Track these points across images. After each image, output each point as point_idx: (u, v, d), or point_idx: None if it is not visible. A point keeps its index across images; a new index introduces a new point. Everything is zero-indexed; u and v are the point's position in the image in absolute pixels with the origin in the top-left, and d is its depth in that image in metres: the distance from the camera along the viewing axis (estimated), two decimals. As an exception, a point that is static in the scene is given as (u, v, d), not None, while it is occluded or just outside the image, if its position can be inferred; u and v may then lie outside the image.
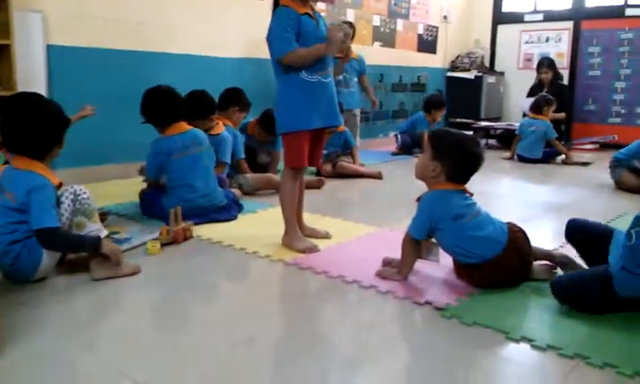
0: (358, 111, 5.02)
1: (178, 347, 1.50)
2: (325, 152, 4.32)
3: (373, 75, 6.00)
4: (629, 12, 6.30)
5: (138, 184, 3.09)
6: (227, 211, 2.82)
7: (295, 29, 2.19)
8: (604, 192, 3.93)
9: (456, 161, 1.94)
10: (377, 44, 6.10)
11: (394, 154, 5.56)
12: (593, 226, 1.99)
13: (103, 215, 2.56)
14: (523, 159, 5.26)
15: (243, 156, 3.56)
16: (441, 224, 1.92)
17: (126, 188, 3.35)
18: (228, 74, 4.32)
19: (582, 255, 1.99)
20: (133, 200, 3.02)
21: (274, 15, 2.25)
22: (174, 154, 2.73)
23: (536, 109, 5.33)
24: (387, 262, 2.08)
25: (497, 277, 1.89)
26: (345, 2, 5.62)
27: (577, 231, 2.00)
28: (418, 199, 2.06)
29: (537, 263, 2.02)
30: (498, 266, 1.87)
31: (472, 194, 2.00)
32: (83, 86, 3.58)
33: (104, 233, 2.03)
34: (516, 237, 1.93)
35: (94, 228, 1.99)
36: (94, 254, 1.94)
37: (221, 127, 3.32)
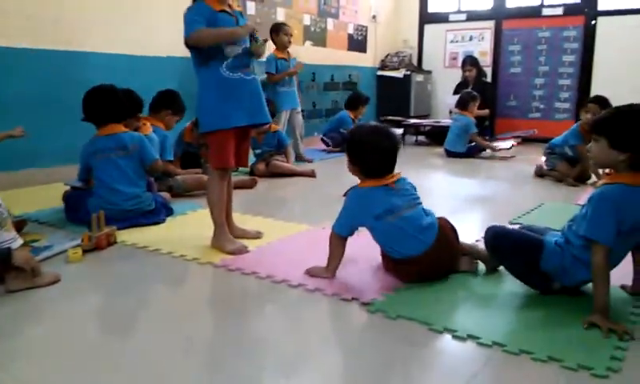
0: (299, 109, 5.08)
1: (102, 357, 1.44)
2: (258, 151, 4.32)
3: (305, 74, 6.03)
4: (545, 12, 6.65)
5: (63, 188, 2.97)
6: (155, 215, 2.75)
7: (207, 21, 2.16)
8: (525, 183, 4.13)
9: (366, 158, 1.95)
10: (308, 43, 6.13)
11: (328, 151, 5.61)
12: (519, 237, 1.91)
13: (20, 223, 2.44)
14: (449, 153, 5.46)
15: (171, 157, 3.49)
16: (365, 223, 1.95)
17: (51, 193, 3.20)
18: (158, 73, 4.21)
19: (503, 263, 1.99)
20: (58, 205, 2.89)
21: (187, 9, 2.21)
22: (98, 155, 2.66)
23: (461, 105, 5.54)
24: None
25: (424, 273, 1.93)
26: (274, 1, 5.61)
27: (497, 240, 1.91)
28: (345, 194, 2.08)
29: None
30: (426, 262, 1.91)
31: (394, 184, 1.93)
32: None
33: (18, 242, 1.93)
34: (445, 233, 1.97)
35: (8, 238, 1.89)
36: (5, 266, 1.84)
37: (148, 128, 3.23)
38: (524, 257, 1.80)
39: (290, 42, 4.94)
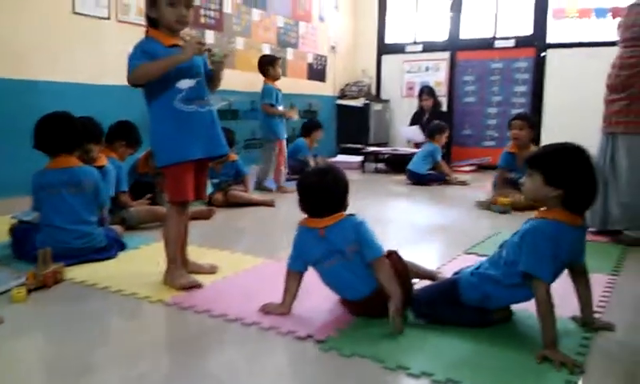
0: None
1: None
2: (216, 181, 4.27)
3: (264, 103, 6.03)
4: (497, 44, 6.89)
5: (10, 221, 2.85)
6: (106, 251, 2.66)
7: (153, 56, 2.10)
8: (482, 211, 4.20)
9: (301, 197, 1.94)
10: (267, 72, 6.14)
11: (288, 179, 5.60)
12: (437, 291, 1.93)
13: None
14: (411, 173, 5.59)
15: (125, 188, 3.41)
16: (307, 261, 1.95)
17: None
18: (112, 103, 4.14)
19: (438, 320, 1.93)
20: (4, 239, 2.77)
21: (134, 46, 2.16)
22: (47, 189, 2.55)
23: (430, 134, 5.76)
24: None
25: (371, 312, 1.91)
26: (234, 31, 5.63)
27: (424, 307, 1.90)
28: None
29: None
30: (369, 304, 1.89)
31: (322, 232, 1.87)
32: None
33: None
34: (395, 269, 1.89)
35: None
36: None
37: (103, 159, 3.15)
38: (444, 300, 1.83)
39: (279, 76, 5.01)
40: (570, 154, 1.70)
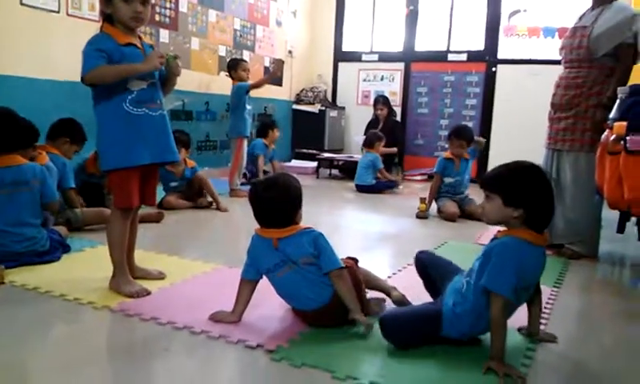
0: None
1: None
2: (174, 184, 4.18)
3: (220, 104, 5.98)
4: (451, 57, 7.06)
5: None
6: (49, 254, 2.54)
7: (108, 54, 2.03)
8: (430, 221, 4.28)
9: (252, 208, 1.93)
10: (223, 73, 6.08)
11: (243, 183, 5.54)
12: (438, 263, 2.04)
13: None
14: (359, 187, 5.62)
15: (72, 185, 3.27)
16: (261, 271, 1.93)
17: None
18: (55, 98, 3.99)
19: (426, 286, 2.06)
20: None
21: (88, 41, 2.08)
22: None
23: (368, 144, 5.76)
24: None
25: (323, 322, 1.91)
26: (190, 31, 5.54)
27: (423, 267, 2.06)
28: None
29: (370, 296, 2.08)
30: (324, 313, 1.88)
31: (276, 242, 1.85)
32: None
33: None
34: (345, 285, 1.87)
35: None
36: None
37: (45, 158, 3.01)
38: (422, 333, 1.80)
39: (248, 77, 4.95)
40: (526, 173, 1.72)
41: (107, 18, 2.12)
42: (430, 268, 2.05)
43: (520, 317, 1.89)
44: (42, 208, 2.60)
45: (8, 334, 1.80)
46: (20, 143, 2.58)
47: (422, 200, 4.40)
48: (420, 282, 2.10)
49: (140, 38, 2.19)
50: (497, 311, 1.65)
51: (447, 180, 4.48)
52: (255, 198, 1.91)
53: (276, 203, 1.87)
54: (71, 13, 4.24)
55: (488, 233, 3.76)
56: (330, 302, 1.85)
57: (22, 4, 3.89)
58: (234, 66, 5.01)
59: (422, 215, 4.33)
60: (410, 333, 1.80)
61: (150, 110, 2.14)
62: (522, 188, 1.70)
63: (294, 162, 7.06)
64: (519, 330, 1.94)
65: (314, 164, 6.84)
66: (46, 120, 3.22)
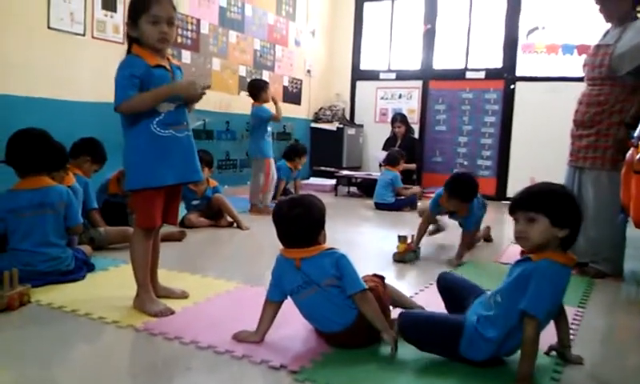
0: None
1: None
2: (195, 202, 4.23)
3: (240, 123, 6.05)
4: (469, 75, 7.06)
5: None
6: (74, 274, 2.58)
7: (140, 79, 2.08)
8: (449, 239, 4.25)
9: (275, 227, 1.95)
10: (243, 93, 6.16)
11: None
12: (463, 285, 2.04)
13: None
14: (379, 205, 5.61)
15: (95, 206, 3.34)
16: (285, 292, 1.93)
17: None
18: (78, 119, 4.07)
19: (448, 308, 2.04)
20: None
21: (119, 65, 2.13)
22: (17, 212, 2.46)
23: (391, 162, 5.77)
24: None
25: (349, 344, 1.90)
26: (210, 52, 5.63)
27: (446, 288, 2.06)
28: None
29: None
30: (348, 335, 1.87)
31: (298, 263, 1.86)
32: None
33: None
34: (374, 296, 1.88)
35: None
36: None
37: (71, 179, 3.07)
38: (443, 343, 1.80)
39: (269, 99, 5.01)
40: (567, 194, 1.76)
41: (135, 40, 2.16)
42: (454, 289, 2.04)
43: (544, 340, 1.87)
44: (66, 231, 2.64)
45: (34, 353, 1.83)
46: (51, 165, 2.63)
47: (402, 239, 3.37)
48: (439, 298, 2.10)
49: (168, 59, 2.23)
50: (532, 333, 1.64)
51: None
52: (279, 217, 1.93)
53: (299, 223, 1.88)
54: (96, 35, 4.34)
55: (509, 252, 3.73)
56: (354, 325, 1.85)
57: (49, 27, 4.00)
58: (260, 88, 5.02)
59: (399, 258, 3.34)
60: (427, 334, 1.80)
61: (176, 131, 2.18)
62: (569, 208, 1.71)
63: (313, 180, 7.09)
64: (548, 352, 1.91)
65: (333, 182, 6.86)
66: (70, 140, 3.29)
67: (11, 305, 2.15)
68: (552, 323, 1.85)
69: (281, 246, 1.97)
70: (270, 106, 4.94)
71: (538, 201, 1.72)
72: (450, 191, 3.34)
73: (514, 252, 3.34)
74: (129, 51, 2.17)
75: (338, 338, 1.89)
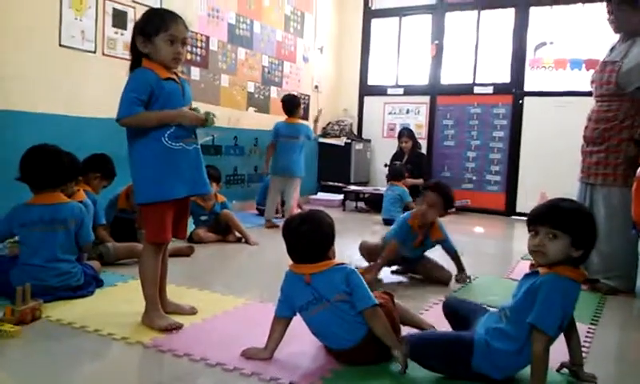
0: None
1: None
2: (204, 218, 4.24)
3: (248, 139, 6.08)
4: (477, 90, 7.05)
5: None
6: (83, 289, 2.59)
7: (149, 92, 2.10)
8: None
9: (285, 243, 1.95)
10: (251, 109, 6.20)
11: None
12: (467, 307, 2.05)
13: None
14: (387, 221, 5.58)
15: (103, 222, 3.35)
16: (295, 309, 1.93)
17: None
18: (91, 135, 4.10)
19: (455, 328, 2.02)
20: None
21: (130, 76, 2.14)
22: (29, 226, 2.48)
23: (396, 176, 5.78)
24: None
25: (358, 361, 1.89)
26: (219, 68, 5.67)
27: (452, 311, 2.06)
28: None
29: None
30: (358, 352, 1.86)
31: (309, 278, 1.86)
32: None
33: None
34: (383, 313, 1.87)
35: None
36: None
37: (82, 195, 3.08)
38: (454, 362, 1.77)
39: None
40: (591, 217, 1.77)
41: (144, 55, 2.17)
42: (460, 309, 2.05)
43: (555, 357, 1.84)
44: (77, 248, 2.65)
45: (44, 369, 1.83)
46: (63, 180, 2.65)
47: (365, 270, 2.98)
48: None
49: (176, 73, 2.25)
50: (541, 349, 1.63)
51: (401, 249, 3.16)
52: (289, 232, 1.93)
53: (310, 238, 1.89)
54: (107, 52, 4.39)
55: (519, 268, 3.70)
56: (364, 342, 1.84)
57: (60, 45, 4.05)
58: (297, 105, 5.15)
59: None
60: (438, 354, 1.78)
61: (186, 144, 2.19)
62: (591, 231, 1.72)
63: (320, 195, 7.09)
64: (559, 369, 1.89)
65: (340, 197, 6.85)
66: (82, 156, 3.30)
67: (24, 319, 2.16)
68: (563, 341, 1.83)
69: (290, 262, 1.97)
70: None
71: (565, 219, 1.70)
72: (434, 189, 3.11)
73: (524, 268, 3.31)
74: (137, 65, 2.18)
75: (348, 354, 1.88)
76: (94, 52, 4.30)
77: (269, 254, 3.94)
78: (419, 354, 1.79)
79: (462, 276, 3.24)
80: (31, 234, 2.49)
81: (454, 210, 5.76)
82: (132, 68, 2.19)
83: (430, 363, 1.80)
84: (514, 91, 6.80)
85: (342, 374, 1.84)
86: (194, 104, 2.33)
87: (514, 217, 6.64)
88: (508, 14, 6.86)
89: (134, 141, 2.17)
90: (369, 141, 7.69)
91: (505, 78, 6.89)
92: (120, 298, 2.62)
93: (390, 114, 7.65)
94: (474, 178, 7.06)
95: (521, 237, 1.71)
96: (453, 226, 5.33)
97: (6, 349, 1.96)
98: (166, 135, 2.14)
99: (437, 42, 7.25)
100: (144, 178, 2.17)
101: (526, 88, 6.77)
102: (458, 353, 1.76)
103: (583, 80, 6.40)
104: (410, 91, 7.50)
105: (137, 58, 2.18)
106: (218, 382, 1.78)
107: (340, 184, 6.99)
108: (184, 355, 1.94)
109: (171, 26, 2.13)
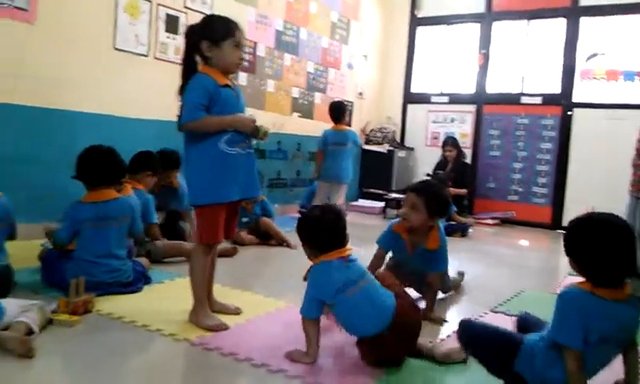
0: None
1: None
2: (246, 220, 4.30)
3: (291, 143, 6.14)
4: (524, 100, 6.92)
5: (35, 247, 2.89)
6: (132, 285, 2.67)
7: (209, 98, 2.16)
8: (503, 267, 4.15)
9: (313, 233, 2.05)
10: (295, 114, 6.26)
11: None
12: (494, 334, 1.88)
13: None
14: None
15: (156, 220, 3.44)
16: (327, 298, 1.96)
17: (25, 251, 3.05)
18: (142, 136, 4.22)
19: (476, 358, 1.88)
20: (32, 265, 2.80)
21: (191, 81, 2.20)
22: (85, 224, 2.59)
23: None
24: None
25: (388, 352, 1.92)
26: (266, 74, 5.75)
27: (471, 336, 1.90)
28: (305, 277, 2.07)
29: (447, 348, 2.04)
30: (385, 339, 1.90)
31: (347, 258, 1.99)
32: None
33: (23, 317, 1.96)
34: (403, 312, 1.94)
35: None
36: None
37: (129, 190, 3.17)
38: (498, 355, 1.76)
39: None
40: (584, 226, 1.67)
41: (204, 59, 2.23)
42: (532, 325, 1.99)
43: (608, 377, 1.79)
44: (131, 236, 2.76)
45: (95, 359, 1.89)
46: (117, 178, 2.75)
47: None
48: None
49: (232, 79, 2.31)
50: (571, 364, 1.59)
51: (398, 258, 2.83)
52: (336, 216, 2.05)
53: (343, 220, 2.07)
54: (158, 56, 4.52)
55: (566, 283, 3.60)
56: (391, 328, 1.90)
57: (115, 48, 4.19)
58: (345, 112, 5.24)
59: None
60: (485, 343, 1.79)
61: (241, 149, 2.25)
62: (573, 241, 1.68)
63: (361, 202, 7.08)
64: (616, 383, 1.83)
65: (381, 204, 6.83)
66: (128, 157, 3.40)
67: (76, 311, 2.24)
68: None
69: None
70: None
71: (567, 247, 1.70)
72: (418, 191, 2.60)
73: (571, 283, 3.23)
74: (192, 70, 2.24)
75: (378, 343, 1.90)
76: (147, 55, 4.43)
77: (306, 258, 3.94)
78: (468, 337, 1.83)
79: (433, 315, 2.62)
80: (86, 231, 2.59)
81: (472, 221, 5.71)
82: (186, 72, 2.25)
83: (475, 351, 1.82)
84: (563, 102, 6.64)
85: (390, 378, 1.83)
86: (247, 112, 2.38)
87: (560, 231, 6.46)
88: (558, 24, 6.71)
89: (192, 144, 2.23)
90: (411, 149, 7.64)
91: (554, 88, 6.73)
92: (167, 296, 2.69)
93: (433, 122, 7.58)
94: (520, 189, 6.91)
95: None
96: (497, 238, 5.25)
97: (60, 338, 2.04)
98: (223, 140, 2.20)
99: (484, 50, 7.15)
100: (200, 180, 2.23)
101: (576, 99, 6.59)
102: (505, 349, 1.75)
103: (636, 92, 6.21)
104: (455, 100, 7.41)
105: (192, 63, 2.24)
106: (262, 382, 1.80)
107: (381, 191, 6.96)
108: (229, 354, 1.97)
109: (237, 32, 2.22)
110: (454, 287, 3.22)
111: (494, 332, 1.83)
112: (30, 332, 1.93)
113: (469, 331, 1.85)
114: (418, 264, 2.71)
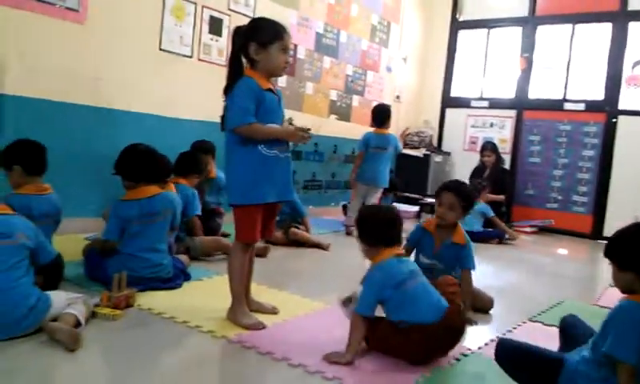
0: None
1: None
2: (277, 219, 4.33)
3: (328, 146, 6.17)
4: (567, 106, 6.76)
5: (79, 241, 2.99)
6: (172, 281, 2.74)
7: (256, 102, 2.20)
8: (542, 275, 4.08)
9: (373, 230, 2.13)
10: (333, 117, 6.28)
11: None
12: (583, 327, 1.97)
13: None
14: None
15: (199, 212, 3.50)
16: (385, 295, 2.02)
17: (67, 245, 3.19)
18: (185, 136, 4.31)
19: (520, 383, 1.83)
20: (75, 259, 2.89)
21: (237, 85, 2.23)
22: (130, 221, 2.67)
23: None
24: None
25: (425, 345, 1.98)
26: (305, 76, 5.80)
27: (568, 328, 1.99)
28: (362, 281, 2.11)
29: None
30: (430, 334, 1.97)
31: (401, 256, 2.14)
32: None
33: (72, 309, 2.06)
34: (452, 315, 2.04)
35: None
36: None
37: (172, 188, 3.25)
38: (539, 378, 1.74)
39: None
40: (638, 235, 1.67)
41: (250, 62, 2.27)
42: (577, 328, 2.00)
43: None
44: (171, 230, 2.87)
45: (135, 353, 1.95)
46: (157, 178, 2.83)
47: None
48: (535, 339, 2.02)
49: (274, 83, 2.35)
50: (625, 380, 1.56)
51: (422, 258, 2.83)
52: (397, 215, 2.19)
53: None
54: (202, 58, 4.61)
55: (607, 295, 3.51)
56: (445, 317, 2.01)
57: (160, 49, 4.30)
58: (389, 117, 5.24)
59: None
60: (525, 365, 1.77)
61: (280, 152, 2.30)
62: (633, 251, 1.64)
63: (396, 205, 7.04)
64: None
65: (416, 208, 6.78)
66: (173, 156, 3.49)
67: (118, 306, 2.31)
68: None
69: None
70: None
71: (608, 248, 1.70)
72: (453, 190, 2.76)
73: (612, 294, 3.15)
74: (240, 72, 2.27)
75: (432, 332, 1.98)
76: (191, 56, 4.53)
77: (343, 260, 3.97)
78: (507, 359, 1.81)
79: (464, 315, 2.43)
80: (132, 227, 2.67)
81: (514, 234, 5.60)
82: (232, 74, 2.29)
83: (515, 372, 1.80)
84: (608, 109, 6.46)
85: (431, 380, 1.84)
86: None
87: (600, 240, 6.30)
88: (604, 29, 6.54)
89: (235, 146, 2.27)
90: (448, 153, 7.56)
91: (597, 94, 6.56)
92: (206, 293, 2.75)
93: (472, 126, 7.49)
94: (560, 197, 6.76)
95: (608, 261, 1.63)
96: (535, 247, 5.17)
97: (103, 332, 2.11)
98: (263, 143, 2.24)
99: (526, 55, 7.03)
100: (241, 181, 2.28)
101: (621, 106, 6.41)
102: (546, 370, 1.73)
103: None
104: (495, 104, 7.31)
105: (239, 64, 2.29)
106: (299, 383, 1.82)
107: (416, 196, 6.92)
108: (267, 353, 2.01)
109: (284, 36, 2.26)
110: (483, 307, 2.89)
111: (535, 353, 1.80)
112: (77, 324, 2.00)
113: (508, 353, 1.81)
114: (443, 261, 2.75)
